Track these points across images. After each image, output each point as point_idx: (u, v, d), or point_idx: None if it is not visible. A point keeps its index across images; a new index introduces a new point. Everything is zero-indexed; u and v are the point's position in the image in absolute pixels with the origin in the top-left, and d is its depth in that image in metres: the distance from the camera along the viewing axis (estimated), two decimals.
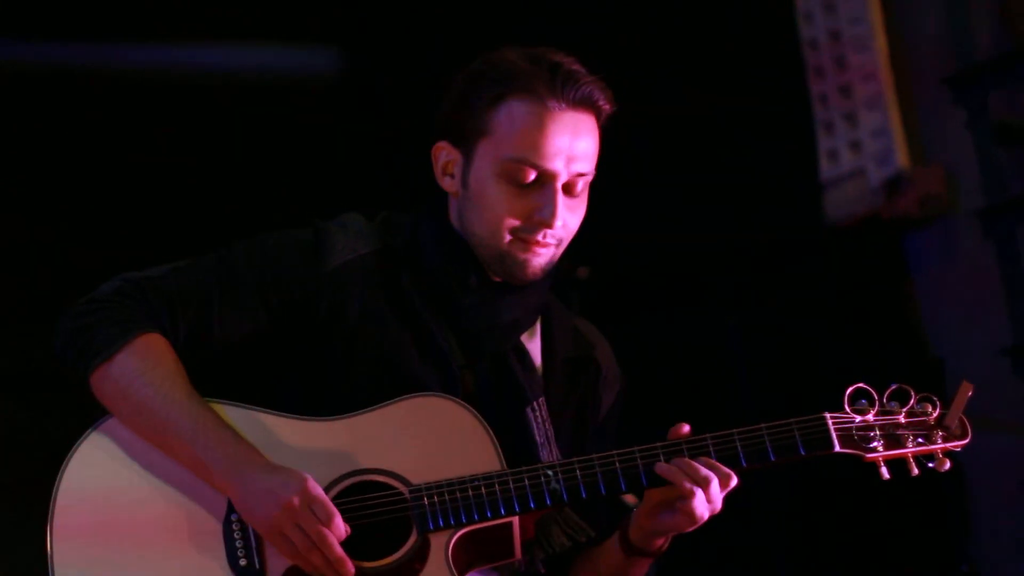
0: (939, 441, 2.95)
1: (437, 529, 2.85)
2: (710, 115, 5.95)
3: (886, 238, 5.88)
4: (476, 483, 2.86)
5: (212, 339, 2.96)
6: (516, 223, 2.95)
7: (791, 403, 3.01)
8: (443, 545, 2.85)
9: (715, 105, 5.94)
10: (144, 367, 2.89)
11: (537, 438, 3.02)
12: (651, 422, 3.06)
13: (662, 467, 2.88)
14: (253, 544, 2.86)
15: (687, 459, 2.87)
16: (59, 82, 5.60)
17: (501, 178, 2.95)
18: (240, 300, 2.96)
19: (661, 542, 2.99)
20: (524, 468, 2.88)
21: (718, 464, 2.87)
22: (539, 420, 3.03)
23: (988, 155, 5.70)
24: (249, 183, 5.68)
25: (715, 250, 5.98)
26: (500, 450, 2.89)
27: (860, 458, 2.92)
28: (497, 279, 3.02)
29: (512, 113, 2.93)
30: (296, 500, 2.79)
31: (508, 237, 2.96)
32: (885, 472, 2.92)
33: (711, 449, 2.88)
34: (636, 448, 2.89)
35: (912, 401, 2.96)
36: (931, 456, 2.95)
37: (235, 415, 2.92)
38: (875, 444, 2.92)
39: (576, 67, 2.96)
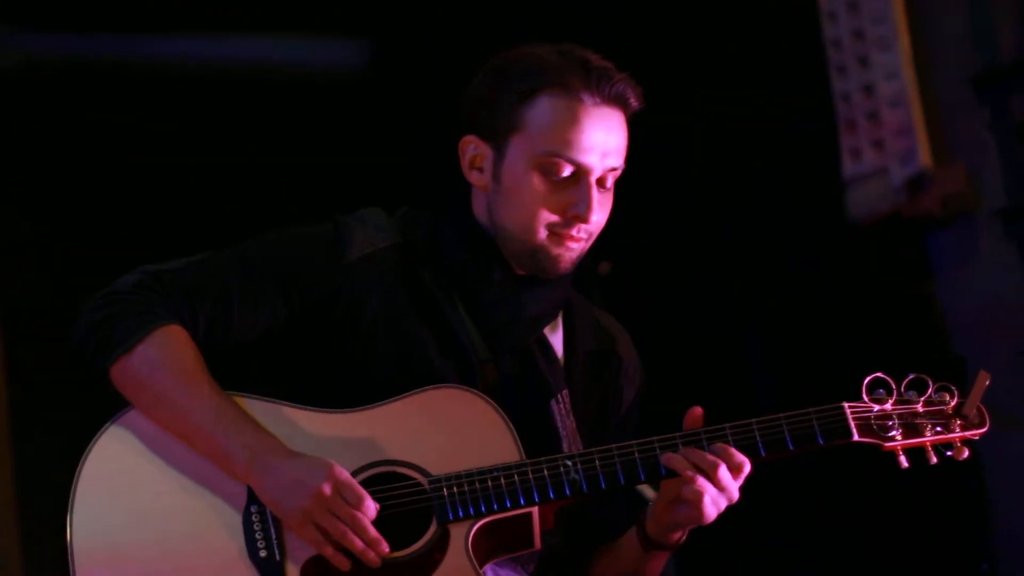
0: (957, 430, 2.96)
1: (457, 519, 2.87)
2: (732, 113, 5.95)
3: (908, 237, 5.86)
4: (495, 473, 2.88)
5: (231, 332, 2.97)
6: (551, 218, 2.96)
7: (811, 401, 3.02)
8: (463, 535, 2.87)
9: (738, 103, 5.93)
10: (164, 358, 2.91)
11: (561, 431, 3.03)
12: (670, 418, 3.07)
13: (668, 457, 2.89)
14: (273, 535, 2.87)
15: (694, 448, 2.89)
16: (76, 75, 5.62)
17: (535, 172, 2.96)
18: (259, 293, 2.97)
19: (678, 536, 3.00)
20: (543, 458, 2.89)
21: (731, 451, 2.88)
22: (562, 413, 3.04)
23: (1010, 155, 5.68)
24: (267, 178, 5.69)
25: (736, 247, 5.97)
26: (519, 441, 2.91)
27: (879, 447, 2.93)
28: (521, 273, 3.03)
29: (546, 108, 2.95)
30: (326, 487, 2.80)
31: (543, 232, 2.97)
32: (904, 461, 2.93)
33: (730, 438, 2.89)
34: (655, 438, 2.90)
35: (930, 390, 2.97)
36: (949, 444, 2.96)
37: (254, 407, 2.95)
38: (893, 433, 2.93)
39: (606, 63, 2.98)
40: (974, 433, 2.97)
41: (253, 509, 2.89)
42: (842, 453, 2.98)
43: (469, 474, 2.88)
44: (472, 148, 3.04)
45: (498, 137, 2.99)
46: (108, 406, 2.98)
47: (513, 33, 3.21)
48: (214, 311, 2.97)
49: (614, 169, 2.99)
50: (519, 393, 3.03)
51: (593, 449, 2.91)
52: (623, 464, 2.89)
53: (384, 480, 2.89)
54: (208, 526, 2.89)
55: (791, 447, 2.90)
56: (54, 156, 5.54)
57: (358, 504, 2.80)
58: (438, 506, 2.87)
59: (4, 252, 5.51)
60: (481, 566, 2.89)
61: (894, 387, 2.97)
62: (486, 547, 2.92)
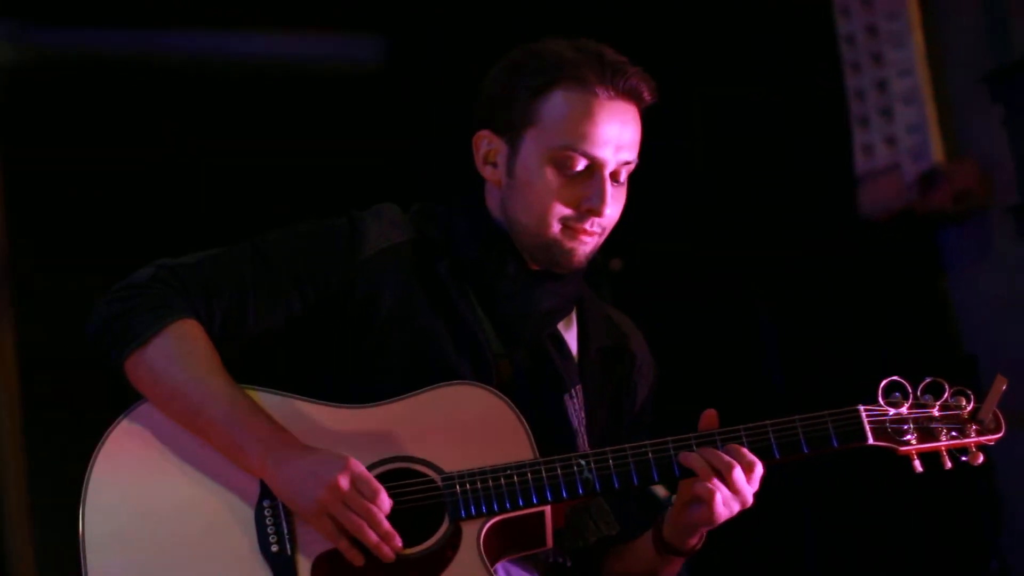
0: (973, 435, 2.95)
1: (469, 517, 2.87)
2: (745, 109, 5.94)
3: (920, 233, 5.85)
4: (508, 471, 2.87)
5: (246, 327, 2.98)
6: (565, 211, 2.96)
7: (823, 398, 3.01)
8: (475, 533, 2.87)
9: (751, 98, 5.93)
10: (180, 352, 2.91)
11: (575, 426, 3.03)
12: (682, 414, 3.07)
13: (686, 456, 2.89)
14: (285, 530, 2.87)
15: (710, 448, 2.89)
16: (85, 70, 5.62)
17: (549, 166, 2.96)
18: (275, 288, 2.97)
19: (694, 541, 2.99)
20: (557, 457, 2.89)
21: (743, 450, 2.87)
22: (576, 408, 3.04)
23: (1023, 152, 5.67)
24: (278, 173, 5.69)
25: (749, 243, 5.97)
26: (533, 438, 2.90)
27: (894, 451, 2.93)
28: (535, 267, 3.03)
29: (561, 102, 2.94)
30: (342, 480, 2.80)
31: (556, 226, 2.97)
32: (918, 465, 2.93)
33: (744, 440, 2.89)
34: (669, 438, 2.90)
35: (946, 395, 2.96)
36: (965, 450, 2.95)
37: (268, 401, 2.94)
38: (909, 437, 2.92)
39: (621, 57, 2.97)
40: (990, 438, 2.97)
41: (265, 504, 2.89)
42: (854, 454, 2.98)
43: (482, 472, 2.88)
44: (486, 143, 3.04)
45: (512, 131, 2.99)
46: (119, 405, 2.98)
47: (525, 28, 3.21)
48: (229, 305, 2.97)
49: (628, 163, 2.99)
50: (533, 388, 3.03)
51: (607, 448, 2.91)
52: (637, 464, 2.89)
53: (397, 476, 2.89)
54: (219, 521, 2.89)
55: (806, 450, 2.89)
56: (63, 151, 5.53)
57: (373, 497, 2.80)
58: (451, 503, 2.87)
59: (14, 248, 5.51)
60: (493, 564, 2.89)
61: (910, 391, 2.96)
62: (498, 545, 2.92)
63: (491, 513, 2.87)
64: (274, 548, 2.87)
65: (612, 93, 2.95)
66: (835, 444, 2.90)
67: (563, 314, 3.11)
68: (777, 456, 2.89)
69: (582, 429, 3.04)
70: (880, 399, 2.94)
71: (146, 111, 5.62)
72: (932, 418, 2.95)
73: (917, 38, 5.89)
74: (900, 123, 5.88)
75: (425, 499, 2.88)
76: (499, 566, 2.95)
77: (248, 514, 2.89)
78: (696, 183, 5.99)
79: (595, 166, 2.96)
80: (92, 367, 3.02)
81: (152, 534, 2.89)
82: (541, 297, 3.04)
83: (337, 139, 5.83)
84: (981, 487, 4.83)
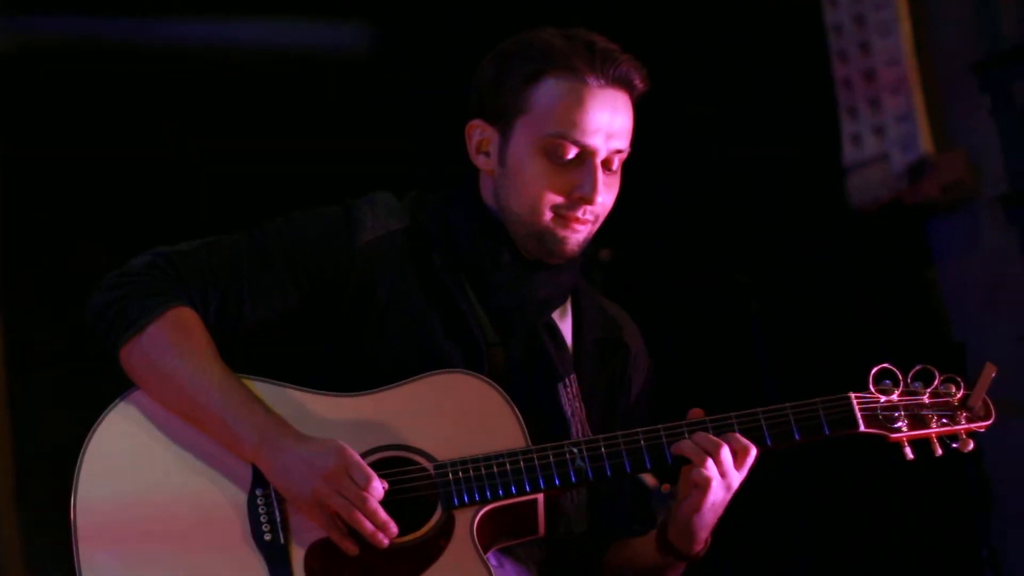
0: (963, 422, 2.97)
1: (462, 505, 2.88)
2: (732, 99, 5.94)
3: (909, 223, 5.86)
4: (501, 460, 2.88)
5: (242, 314, 2.98)
6: (556, 199, 2.97)
7: (813, 388, 3.02)
8: (468, 521, 2.87)
9: (738, 89, 5.93)
10: (175, 340, 2.92)
11: (568, 415, 3.03)
12: (673, 405, 3.07)
13: (678, 444, 2.89)
14: (278, 518, 2.88)
15: (700, 432, 2.89)
16: (77, 58, 5.60)
17: (540, 155, 2.96)
18: (270, 277, 2.98)
19: (699, 548, 2.99)
20: (549, 445, 2.90)
21: (736, 436, 2.89)
22: (570, 397, 3.05)
23: (1012, 141, 5.68)
24: (271, 162, 5.68)
25: (738, 234, 5.97)
26: (525, 427, 2.91)
27: (884, 438, 2.95)
28: (529, 257, 3.03)
29: (551, 90, 2.95)
30: (335, 468, 2.81)
31: (548, 214, 2.98)
32: (909, 452, 2.94)
33: (736, 428, 2.90)
34: (661, 426, 2.91)
35: (936, 382, 2.98)
36: (955, 436, 2.98)
37: (262, 390, 2.96)
38: (899, 424, 2.94)
39: (612, 45, 2.97)
40: (980, 425, 2.99)
41: (258, 492, 2.90)
42: (844, 442, 2.98)
43: (475, 460, 2.88)
44: (478, 132, 3.04)
45: (504, 120, 3.00)
46: (107, 398, 2.98)
47: (517, 16, 3.21)
48: (225, 293, 2.98)
49: (620, 151, 2.99)
50: (527, 376, 3.03)
51: (599, 436, 2.92)
52: (629, 452, 2.90)
53: (390, 464, 2.90)
54: (212, 508, 2.90)
55: (797, 437, 2.91)
56: (55, 141, 5.52)
57: (367, 485, 2.81)
58: (443, 492, 2.88)
59: (4, 238, 5.50)
60: (485, 552, 2.90)
61: (901, 378, 2.97)
62: (491, 533, 2.93)
63: (484, 501, 2.88)
64: (267, 536, 2.87)
65: (603, 81, 2.95)
66: (826, 431, 2.92)
67: (558, 303, 3.11)
68: (769, 443, 2.90)
69: (576, 419, 3.05)
70: (871, 386, 2.95)
71: (139, 103, 5.61)
72: (922, 405, 2.97)
73: (905, 27, 5.89)
74: (888, 113, 5.88)
75: (417, 487, 2.88)
76: (493, 559, 2.95)
77: (241, 503, 2.90)
78: (684, 174, 5.98)
79: (586, 154, 2.96)
80: (80, 362, 3.02)
81: (143, 523, 2.90)
82: (535, 286, 3.04)
83: (325, 128, 5.82)
84: (971, 474, 4.83)
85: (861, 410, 2.92)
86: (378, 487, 2.82)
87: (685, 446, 2.89)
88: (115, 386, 2.99)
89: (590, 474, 2.89)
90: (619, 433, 2.92)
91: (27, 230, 5.52)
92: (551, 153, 2.96)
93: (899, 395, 2.96)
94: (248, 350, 3.03)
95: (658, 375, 3.30)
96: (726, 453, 2.86)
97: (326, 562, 2.87)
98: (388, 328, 3.00)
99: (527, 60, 2.97)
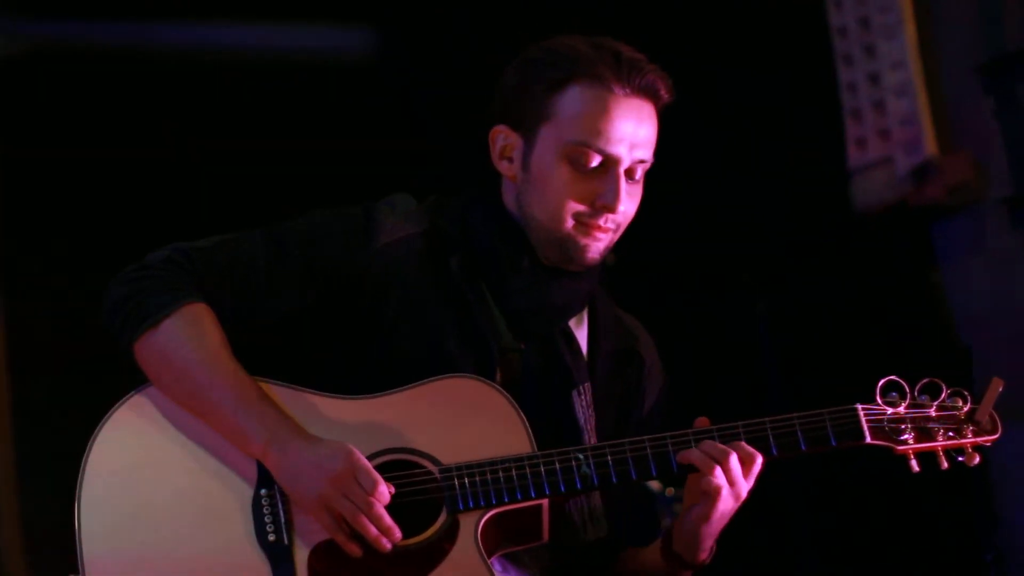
0: (969, 435, 2.98)
1: (467, 510, 2.88)
2: (737, 102, 5.94)
3: (914, 226, 5.85)
4: (507, 465, 2.89)
5: (257, 312, 3.00)
6: (579, 207, 2.97)
7: (818, 390, 3.02)
8: (472, 526, 2.88)
9: (742, 91, 5.92)
10: (190, 335, 2.93)
11: (581, 423, 3.03)
12: (678, 408, 3.07)
13: (685, 453, 2.89)
14: (282, 519, 2.89)
15: (708, 441, 2.89)
16: (81, 63, 5.60)
17: (564, 162, 2.97)
18: (287, 275, 2.99)
19: (704, 556, 3.00)
20: (555, 451, 2.90)
21: (742, 444, 2.89)
22: (583, 405, 3.05)
23: (1017, 143, 5.67)
24: (276, 166, 5.68)
25: (743, 237, 5.96)
26: (531, 433, 2.92)
27: (891, 450, 2.95)
28: (548, 263, 3.03)
29: (576, 97, 2.95)
30: (342, 471, 2.82)
31: (570, 222, 2.98)
32: (915, 465, 2.95)
33: (742, 436, 2.90)
34: (667, 434, 2.91)
35: (943, 395, 2.98)
36: (961, 450, 2.98)
37: (272, 390, 2.97)
38: (906, 436, 2.95)
39: (638, 55, 2.98)
40: (986, 439, 3.00)
41: (263, 492, 2.90)
42: (851, 452, 2.98)
43: (480, 465, 2.89)
44: (502, 138, 3.05)
45: (528, 126, 3.00)
46: (110, 399, 2.98)
47: (517, 16, 3.20)
48: (241, 290, 2.99)
49: (643, 161, 3.00)
50: (542, 383, 3.04)
51: (604, 443, 2.92)
52: (635, 459, 2.90)
53: (396, 467, 2.91)
54: (217, 507, 2.91)
55: (803, 447, 2.91)
56: (59, 145, 5.52)
57: (372, 489, 2.81)
58: (448, 496, 2.88)
59: (7, 242, 5.50)
60: (489, 557, 2.89)
61: (908, 391, 2.98)
62: (495, 538, 2.93)
63: (488, 506, 2.88)
64: (271, 537, 2.88)
65: (628, 90, 2.95)
66: (833, 442, 2.92)
67: (575, 311, 3.12)
68: (775, 453, 2.91)
69: (588, 427, 3.05)
70: (878, 398, 2.96)
71: (140, 105, 5.61)
72: (929, 418, 2.97)
73: (909, 30, 5.88)
74: (893, 116, 5.87)
75: (423, 491, 2.89)
76: (497, 564, 2.94)
77: (245, 503, 2.91)
78: (689, 176, 5.98)
79: (610, 163, 2.97)
80: (82, 364, 3.02)
81: (147, 521, 2.91)
82: (554, 292, 3.05)
83: (330, 131, 5.82)
84: (975, 479, 4.83)
85: (868, 422, 2.93)
86: (384, 492, 2.82)
87: (693, 455, 2.89)
88: (117, 387, 3.00)
89: (596, 481, 2.90)
90: (625, 440, 2.92)
91: (29, 230, 5.52)
92: (574, 161, 2.97)
93: (906, 408, 2.96)
94: (258, 350, 3.03)
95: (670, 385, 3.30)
96: (734, 461, 2.87)
97: (330, 564, 2.88)
98: (401, 331, 3.00)
99: (553, 67, 2.98)
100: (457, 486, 2.88)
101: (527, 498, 2.88)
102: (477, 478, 2.88)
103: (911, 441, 2.95)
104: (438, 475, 2.89)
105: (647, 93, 2.98)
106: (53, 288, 5.42)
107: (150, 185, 5.58)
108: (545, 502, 2.91)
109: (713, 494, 2.87)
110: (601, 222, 2.99)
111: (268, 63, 5.83)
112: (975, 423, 2.99)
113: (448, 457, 2.90)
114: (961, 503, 5.23)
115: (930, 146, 5.78)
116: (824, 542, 5.70)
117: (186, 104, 5.65)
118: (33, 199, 5.51)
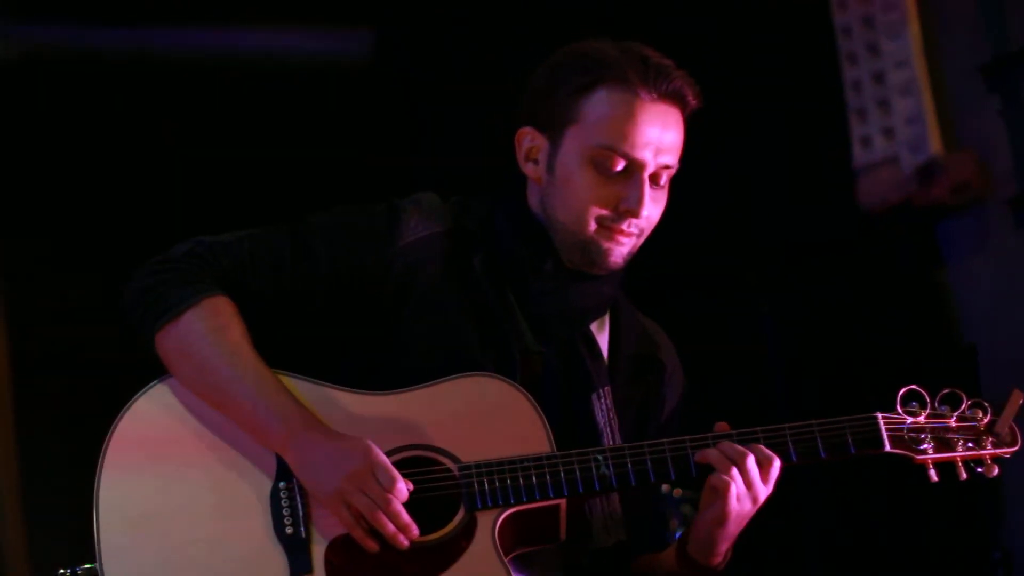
0: (989, 447, 2.99)
1: (485, 508, 2.88)
2: (742, 101, 5.93)
3: (919, 225, 5.87)
4: (526, 464, 2.89)
5: (278, 307, 3.00)
6: (602, 211, 2.98)
7: (823, 390, 3.03)
8: (490, 524, 2.88)
9: (747, 91, 5.92)
10: (211, 328, 2.93)
11: (601, 426, 3.03)
12: (685, 409, 3.07)
13: (703, 452, 2.90)
14: (300, 512, 2.89)
15: (727, 442, 2.90)
16: (78, 66, 5.59)
17: (589, 165, 2.97)
18: (310, 271, 2.99)
19: (718, 560, 3.00)
20: (574, 452, 2.91)
21: (761, 447, 2.89)
22: (604, 408, 3.05)
23: (1021, 142, 5.68)
24: (275, 170, 5.68)
25: (747, 237, 5.96)
26: (551, 432, 2.92)
27: (910, 459, 2.97)
28: (571, 266, 3.04)
29: (604, 101, 2.96)
30: (361, 467, 2.82)
31: (593, 225, 2.98)
32: (934, 475, 2.96)
33: (762, 441, 2.90)
34: (687, 437, 2.91)
35: (963, 406, 3.00)
36: (980, 461, 2.99)
37: (292, 384, 2.97)
38: (925, 446, 2.96)
39: (666, 60, 2.98)
40: (1006, 451, 3.02)
41: (281, 485, 2.91)
42: (869, 460, 2.99)
43: (499, 463, 2.89)
44: (528, 140, 3.05)
45: (554, 129, 3.01)
46: (112, 400, 2.98)
47: (518, 17, 3.20)
48: (264, 285, 2.99)
49: (668, 167, 3.01)
50: (562, 385, 3.04)
51: (624, 445, 2.93)
52: (653, 461, 2.91)
53: (414, 464, 2.92)
54: (235, 499, 2.91)
55: (823, 455, 2.92)
56: (57, 149, 5.52)
57: (391, 486, 2.82)
58: (467, 493, 2.88)
59: (8, 244, 5.49)
60: (505, 556, 2.89)
61: (928, 400, 2.98)
62: (512, 537, 2.94)
63: (507, 505, 2.88)
64: (289, 530, 2.88)
65: (655, 95, 2.96)
66: (852, 450, 2.94)
67: (597, 314, 3.12)
68: (794, 459, 2.92)
69: (608, 430, 3.05)
70: (898, 407, 2.96)
71: (140, 109, 5.60)
72: (949, 428, 2.98)
73: (914, 29, 5.89)
74: (898, 115, 5.89)
75: (441, 488, 2.89)
76: (511, 566, 2.94)
77: (264, 495, 2.91)
78: (693, 176, 5.97)
79: (634, 167, 2.97)
80: (85, 363, 3.02)
81: (166, 510, 2.91)
82: (576, 295, 3.05)
83: (332, 135, 5.81)
84: (983, 478, 4.84)
85: (888, 430, 2.94)
86: (403, 489, 2.83)
87: (711, 454, 2.89)
88: (120, 387, 3.00)
89: (614, 482, 2.90)
90: (644, 443, 2.93)
91: (30, 230, 5.51)
92: (600, 164, 2.97)
93: (926, 417, 2.97)
94: (279, 344, 3.03)
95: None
96: (752, 462, 2.87)
97: (347, 558, 2.88)
98: (421, 329, 3.00)
99: (581, 70, 2.98)
100: (475, 484, 2.88)
101: (545, 498, 2.89)
102: (496, 477, 2.88)
103: (930, 451, 2.96)
104: (457, 472, 2.89)
105: (674, 98, 2.98)
106: (56, 287, 5.42)
107: (154, 186, 5.58)
108: (563, 502, 2.91)
109: (729, 493, 2.86)
110: (624, 226, 2.99)
111: (268, 66, 5.83)
112: (995, 435, 3.00)
113: (467, 455, 2.90)
114: (969, 501, 5.24)
115: (935, 145, 5.79)
116: (831, 540, 5.71)
117: (184, 109, 5.65)
118: (35, 199, 5.51)
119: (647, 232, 3.04)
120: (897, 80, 5.90)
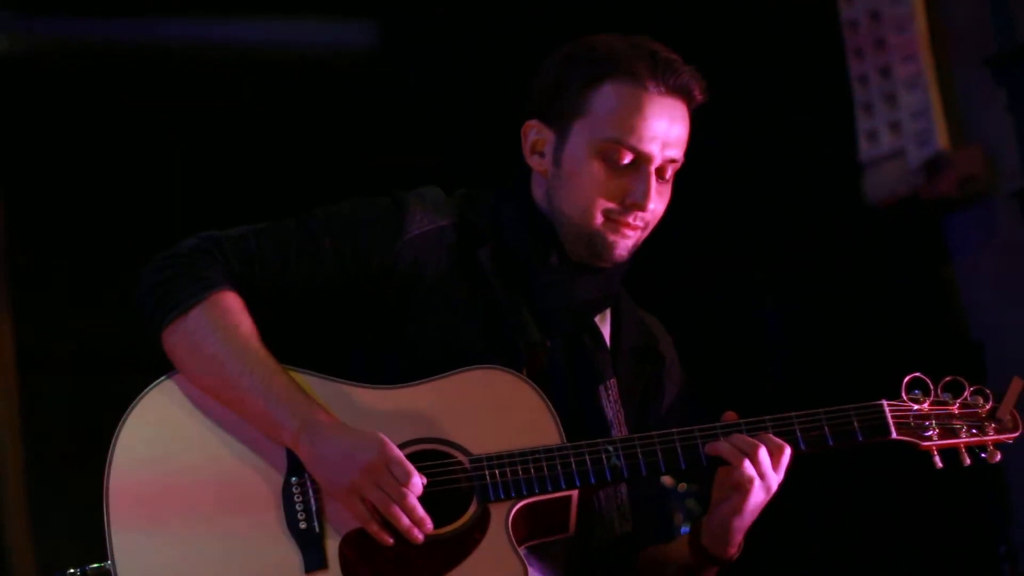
0: (991, 433, 3.03)
1: (498, 500, 2.88)
2: (749, 95, 5.94)
3: (925, 219, 5.87)
4: (537, 456, 2.90)
5: (286, 300, 3.00)
6: (609, 204, 2.98)
7: (829, 384, 3.04)
8: (503, 516, 2.89)
9: (754, 85, 5.93)
10: (219, 323, 2.93)
11: (609, 417, 3.04)
12: (690, 402, 3.08)
13: (713, 445, 2.90)
14: (313, 507, 2.89)
15: (737, 433, 2.90)
16: (79, 59, 5.60)
17: (596, 158, 2.98)
18: (317, 263, 3.00)
19: (733, 550, 3.01)
20: (584, 443, 2.92)
21: (770, 436, 2.90)
22: (611, 401, 3.06)
23: None
24: (279, 161, 5.68)
25: (754, 230, 5.97)
26: (560, 424, 2.92)
27: (915, 446, 2.99)
28: (576, 259, 3.04)
29: (611, 94, 2.97)
30: (375, 461, 2.83)
31: (600, 218, 2.99)
32: (939, 461, 2.98)
33: (770, 431, 2.91)
34: (696, 427, 2.92)
35: (966, 393, 3.02)
36: (983, 447, 3.02)
37: (301, 379, 2.97)
38: (930, 433, 2.99)
39: (674, 55, 2.99)
40: (1008, 437, 3.05)
41: (294, 480, 2.91)
42: (872, 447, 3.00)
43: (511, 455, 2.90)
44: (535, 132, 3.06)
45: (561, 122, 3.02)
46: (115, 400, 2.98)
47: (518, 17, 3.21)
48: (271, 280, 2.99)
49: (674, 161, 3.02)
50: (568, 377, 3.05)
51: (634, 436, 2.93)
52: (664, 451, 2.91)
53: (426, 457, 2.92)
54: (247, 494, 2.92)
55: (831, 443, 2.94)
56: (60, 142, 5.52)
57: (406, 480, 2.82)
58: (479, 486, 2.89)
59: (12, 240, 5.50)
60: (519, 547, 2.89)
61: (931, 388, 3.00)
62: (523, 529, 2.95)
63: (519, 496, 2.89)
64: (302, 525, 2.89)
65: (663, 89, 2.97)
66: (860, 438, 2.95)
67: (602, 307, 3.13)
68: (803, 448, 2.93)
69: (616, 422, 3.06)
70: (903, 395, 2.98)
71: (142, 103, 5.60)
72: (952, 415, 3.02)
73: (920, 23, 5.89)
74: (904, 109, 5.88)
75: (453, 481, 2.90)
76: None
77: (276, 490, 2.92)
78: (699, 170, 5.98)
79: (641, 160, 2.98)
80: (90, 363, 3.02)
81: (177, 505, 2.91)
82: (581, 288, 3.06)
83: (334, 126, 5.82)
84: (988, 471, 4.85)
85: (894, 418, 2.96)
86: (417, 483, 2.83)
87: (721, 447, 2.90)
88: (124, 387, 3.00)
89: (625, 472, 2.90)
90: (654, 433, 2.94)
91: (33, 230, 5.52)
92: (606, 157, 2.98)
93: (930, 405, 2.99)
94: (287, 339, 3.04)
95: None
96: (764, 454, 2.88)
97: (361, 552, 2.88)
98: (427, 322, 3.01)
99: (589, 64, 2.99)
100: (488, 476, 2.89)
101: (557, 489, 2.90)
102: (508, 469, 2.89)
103: (935, 438, 2.98)
104: (468, 465, 2.90)
105: (681, 93, 2.99)
106: (61, 286, 5.42)
107: (156, 186, 5.58)
108: (574, 494, 2.91)
109: (745, 486, 2.88)
110: (630, 219, 3.00)
111: (270, 58, 5.83)
112: (997, 421, 3.03)
113: (478, 448, 2.91)
114: (974, 495, 5.24)
115: (941, 139, 5.79)
116: (837, 533, 5.71)
117: (187, 103, 5.65)
118: (37, 199, 5.51)
119: (652, 225, 3.05)
120: (904, 74, 5.90)
